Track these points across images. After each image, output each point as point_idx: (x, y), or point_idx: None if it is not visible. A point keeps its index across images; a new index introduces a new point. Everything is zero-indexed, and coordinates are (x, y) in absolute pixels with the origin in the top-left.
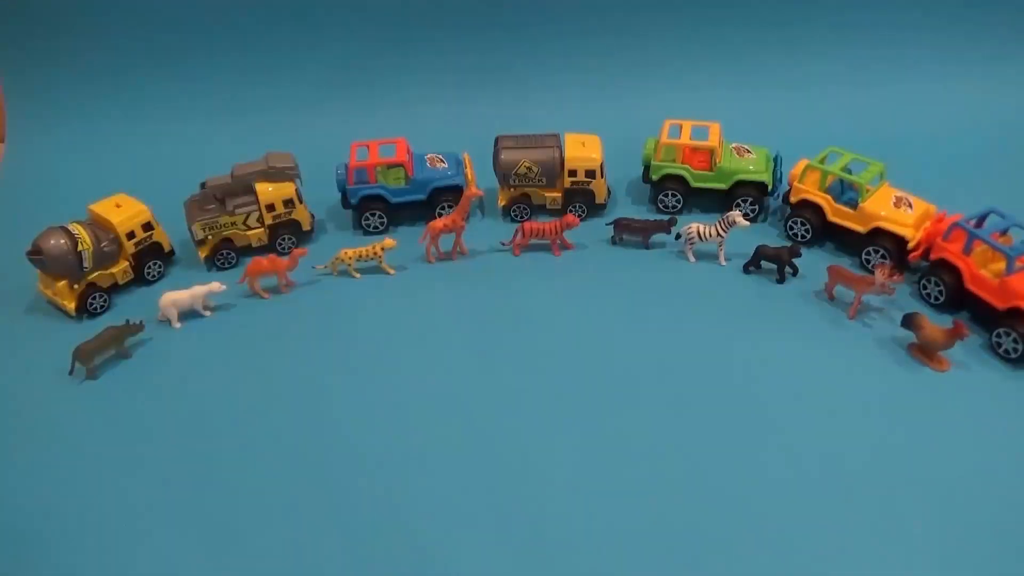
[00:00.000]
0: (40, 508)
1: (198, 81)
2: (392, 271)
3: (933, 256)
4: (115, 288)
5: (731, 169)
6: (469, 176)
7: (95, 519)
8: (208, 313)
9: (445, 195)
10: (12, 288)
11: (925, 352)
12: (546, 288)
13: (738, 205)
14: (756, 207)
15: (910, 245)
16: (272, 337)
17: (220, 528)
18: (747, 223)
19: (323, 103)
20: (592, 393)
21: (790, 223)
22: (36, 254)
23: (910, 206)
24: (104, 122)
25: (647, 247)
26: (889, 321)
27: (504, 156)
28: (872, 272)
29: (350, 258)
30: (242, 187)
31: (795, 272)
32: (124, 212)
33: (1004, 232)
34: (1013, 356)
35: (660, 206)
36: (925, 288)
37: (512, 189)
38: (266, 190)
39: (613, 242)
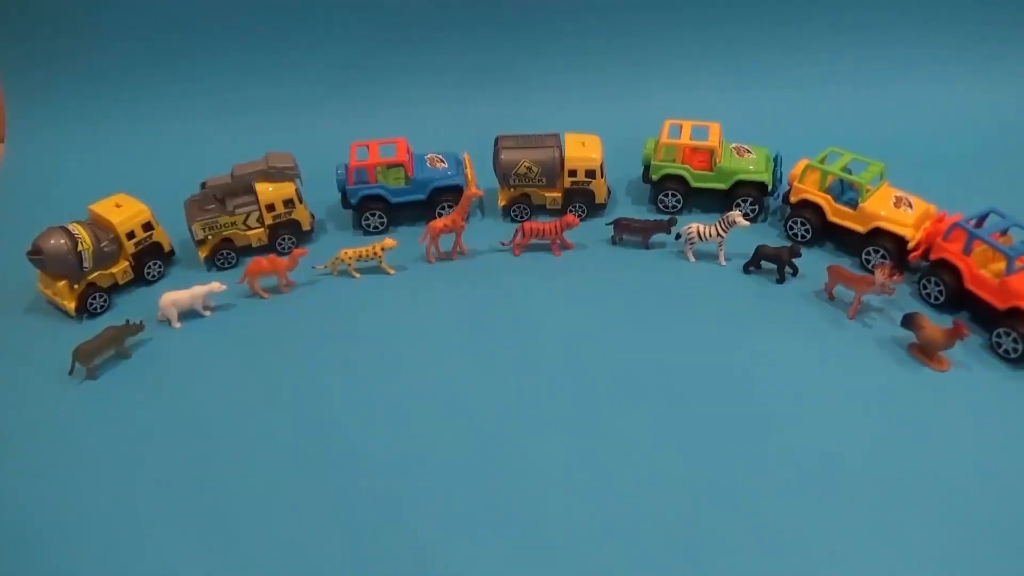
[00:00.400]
0: (40, 508)
1: (198, 81)
2: (392, 271)
3: (933, 256)
4: (115, 288)
5: (731, 169)
6: (469, 176)
7: (95, 519)
8: (208, 313)
9: (445, 195)
10: (12, 288)
11: (925, 352)
12: (546, 288)
13: (738, 205)
14: (756, 207)
15: (910, 245)
16: (272, 337)
17: (220, 528)
18: (747, 223)
19: (323, 103)
20: (592, 393)
21: (790, 223)
22: (36, 254)
23: (910, 206)
24: (104, 122)
25: (647, 247)
26: (889, 321)
27: (504, 156)
28: (872, 272)
29: (350, 258)
30: (242, 187)
31: (795, 272)
32: (124, 212)
33: (1004, 232)
34: (1013, 356)
35: (660, 206)
36: (925, 288)
37: (512, 189)
38: (266, 190)
39: (613, 242)
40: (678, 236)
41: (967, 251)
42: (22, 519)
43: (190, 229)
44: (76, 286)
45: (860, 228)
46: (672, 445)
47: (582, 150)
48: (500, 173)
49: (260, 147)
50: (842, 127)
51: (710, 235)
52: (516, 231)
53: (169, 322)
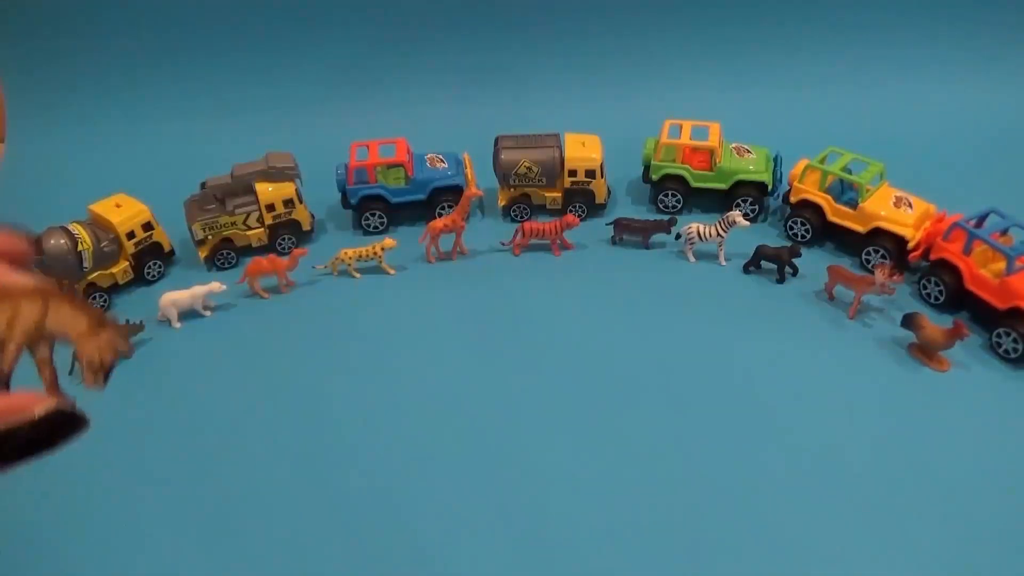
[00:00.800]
0: (40, 508)
1: (198, 81)
2: (392, 271)
3: (933, 256)
4: (115, 288)
5: (731, 169)
6: (469, 176)
7: (94, 518)
8: (208, 313)
9: (445, 195)
10: None
11: (925, 352)
12: (546, 288)
13: (738, 205)
14: (756, 207)
15: (910, 245)
16: (272, 337)
17: (219, 527)
18: (747, 223)
19: (323, 103)
20: (592, 393)
21: (790, 223)
22: (36, 254)
23: (910, 206)
24: (104, 122)
25: (647, 247)
26: (889, 321)
27: (504, 156)
28: (872, 272)
29: (350, 258)
30: (242, 187)
31: (795, 272)
32: (124, 212)
33: (1004, 232)
34: (1013, 356)
35: (660, 206)
36: (925, 288)
37: (512, 189)
38: (266, 190)
39: (613, 242)
40: (678, 236)
41: (967, 251)
42: (22, 519)
43: (190, 229)
44: (76, 286)
45: (860, 228)
46: (671, 444)
47: (582, 150)
48: (500, 173)
49: (260, 147)
50: (842, 127)
51: (710, 235)
52: (516, 231)
53: (169, 322)
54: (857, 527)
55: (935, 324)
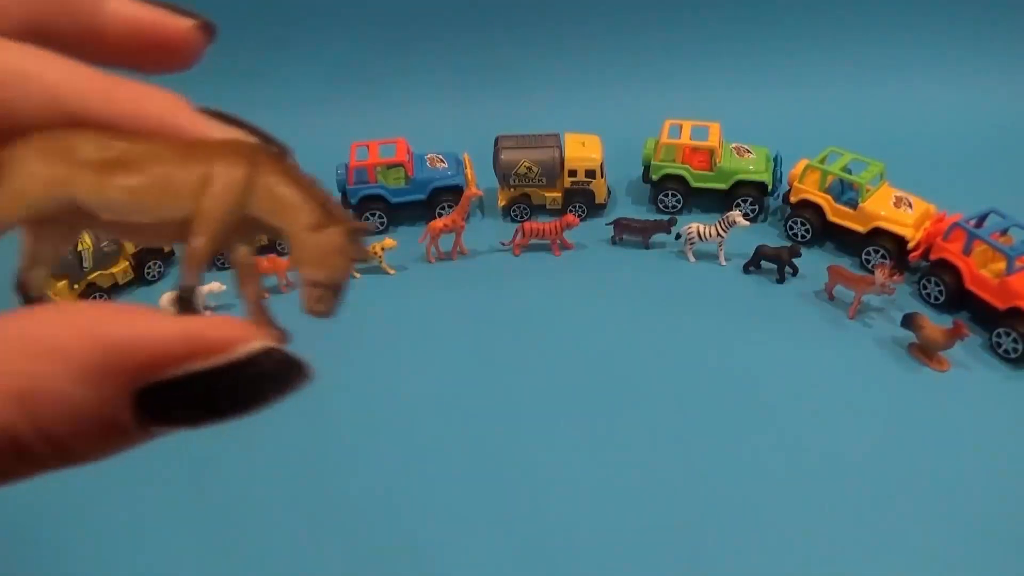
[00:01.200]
0: (39, 508)
1: (197, 81)
2: (392, 271)
3: (933, 256)
4: (115, 288)
5: (731, 169)
6: (469, 176)
7: (94, 518)
8: (208, 313)
9: (445, 195)
10: (12, 288)
11: (925, 352)
12: (546, 288)
13: (738, 205)
14: (756, 207)
15: (910, 245)
16: None
17: (218, 527)
18: (747, 223)
19: (323, 103)
20: (592, 393)
21: (790, 223)
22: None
23: (910, 206)
24: None
25: (647, 247)
26: (889, 321)
27: (504, 156)
28: (872, 272)
29: None
30: None
31: (795, 272)
32: None
33: (1004, 232)
34: (1013, 356)
35: (660, 206)
36: (925, 288)
37: (512, 189)
38: None
39: (613, 242)
40: (678, 236)
41: (967, 251)
42: (22, 519)
43: None
44: (76, 286)
45: (860, 228)
46: (671, 444)
47: (582, 150)
48: (500, 173)
49: None
50: (842, 127)
51: (710, 235)
52: (516, 231)
53: None
54: (856, 527)
55: (935, 324)
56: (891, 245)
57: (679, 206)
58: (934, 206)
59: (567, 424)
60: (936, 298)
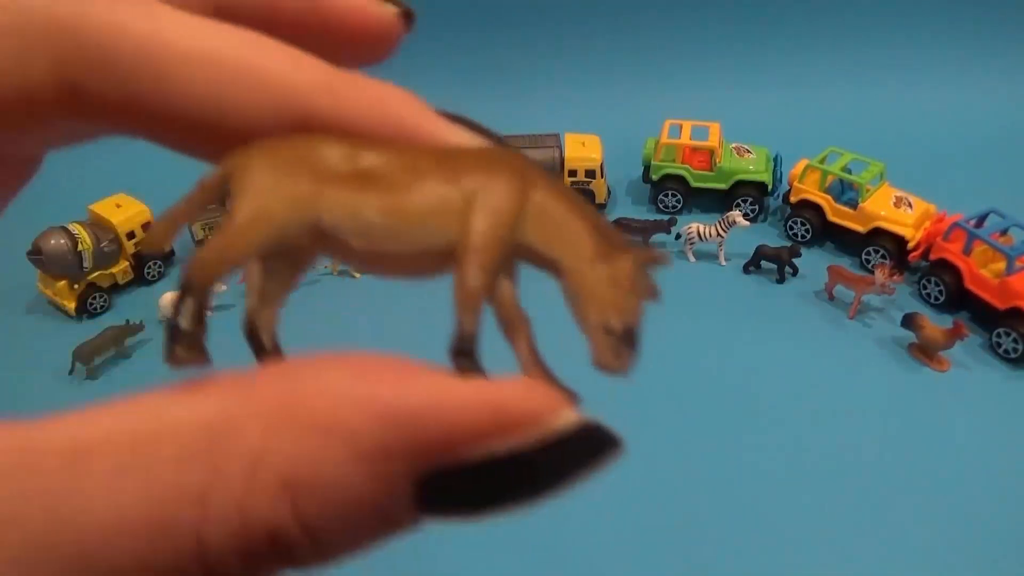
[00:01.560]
0: None
1: None
2: None
3: (933, 256)
4: (115, 288)
5: (731, 169)
6: None
7: None
8: (208, 313)
9: None
10: (12, 288)
11: (925, 352)
12: (546, 288)
13: (738, 205)
14: (756, 207)
15: (910, 245)
16: None
17: None
18: (747, 223)
19: None
20: (590, 393)
21: (790, 223)
22: (36, 254)
23: (910, 206)
24: None
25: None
26: (889, 321)
27: None
28: (872, 272)
29: None
30: None
31: (795, 272)
32: (124, 212)
33: (1004, 232)
34: (1013, 356)
35: (660, 206)
36: (925, 288)
37: None
38: None
39: None
40: (678, 236)
41: (967, 251)
42: None
43: (190, 229)
44: (76, 286)
45: (860, 228)
46: (669, 444)
47: (582, 150)
48: None
49: None
50: (842, 127)
51: (710, 235)
52: None
53: None
54: (856, 526)
55: (935, 324)
56: (891, 245)
57: (679, 206)
58: (934, 206)
59: None
60: (936, 298)
